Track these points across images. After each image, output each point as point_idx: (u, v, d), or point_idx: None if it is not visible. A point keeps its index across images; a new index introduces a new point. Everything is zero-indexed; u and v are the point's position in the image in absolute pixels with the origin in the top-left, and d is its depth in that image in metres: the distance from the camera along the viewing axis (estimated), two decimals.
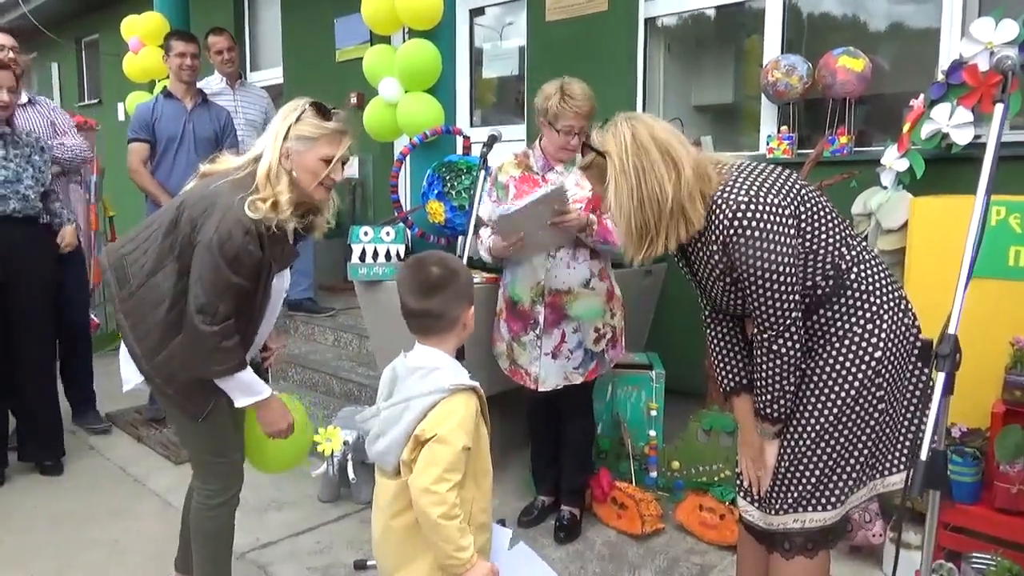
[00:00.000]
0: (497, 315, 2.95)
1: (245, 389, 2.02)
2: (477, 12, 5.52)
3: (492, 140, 2.90)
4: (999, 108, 1.55)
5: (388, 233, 3.33)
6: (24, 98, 3.88)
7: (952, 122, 2.98)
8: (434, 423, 1.59)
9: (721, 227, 1.66)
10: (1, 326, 3.36)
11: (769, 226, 1.63)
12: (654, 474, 3.17)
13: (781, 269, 1.65)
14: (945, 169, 3.08)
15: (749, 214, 1.64)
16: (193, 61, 4.12)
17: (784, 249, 1.65)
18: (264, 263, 1.95)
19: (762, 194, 1.66)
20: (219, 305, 1.89)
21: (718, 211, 1.67)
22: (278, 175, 1.94)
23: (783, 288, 1.66)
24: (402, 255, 3.40)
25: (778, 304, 1.68)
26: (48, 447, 3.56)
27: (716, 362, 1.97)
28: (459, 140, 3.94)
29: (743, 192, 1.66)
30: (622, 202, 1.70)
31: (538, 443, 3.10)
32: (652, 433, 3.19)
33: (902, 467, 1.83)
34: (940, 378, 1.40)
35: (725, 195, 1.68)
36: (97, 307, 5.30)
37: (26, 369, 3.47)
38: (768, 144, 3.83)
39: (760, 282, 1.66)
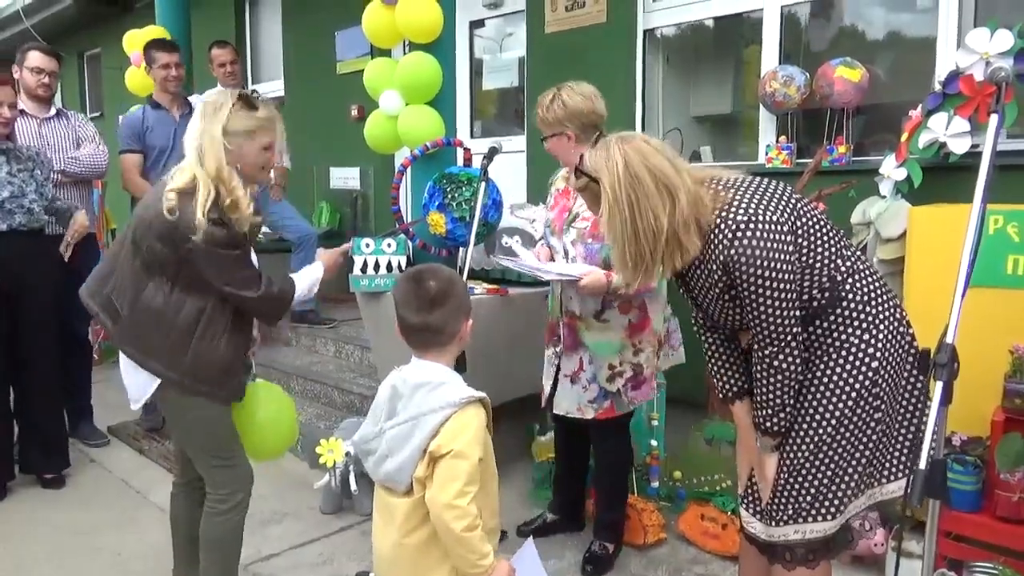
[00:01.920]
0: None
1: (310, 288, 2.31)
2: (477, 24, 5.56)
3: (492, 152, 2.91)
4: (993, 119, 1.56)
5: (390, 245, 3.35)
6: (52, 111, 3.90)
7: (949, 131, 3.00)
8: (449, 438, 1.58)
9: (721, 247, 1.66)
10: (8, 339, 3.37)
11: (769, 243, 1.64)
12: (656, 484, 3.17)
13: (782, 286, 1.66)
14: (943, 178, 3.10)
15: (749, 232, 1.64)
16: (178, 71, 4.10)
17: (784, 266, 1.65)
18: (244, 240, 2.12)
19: (760, 211, 1.66)
20: (247, 274, 2.10)
21: (718, 232, 1.67)
22: (230, 175, 2.02)
23: (784, 304, 1.67)
24: (403, 266, 3.41)
25: (779, 320, 1.68)
26: (52, 459, 3.56)
27: (714, 369, 1.98)
28: (460, 152, 3.97)
29: (742, 211, 1.66)
30: (615, 232, 1.69)
31: (557, 461, 3.05)
32: (654, 443, 3.19)
33: (899, 474, 1.84)
34: (938, 387, 1.41)
35: (724, 215, 1.67)
36: None
37: (32, 381, 3.48)
38: (767, 154, 3.85)
39: (761, 299, 1.66)
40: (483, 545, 1.59)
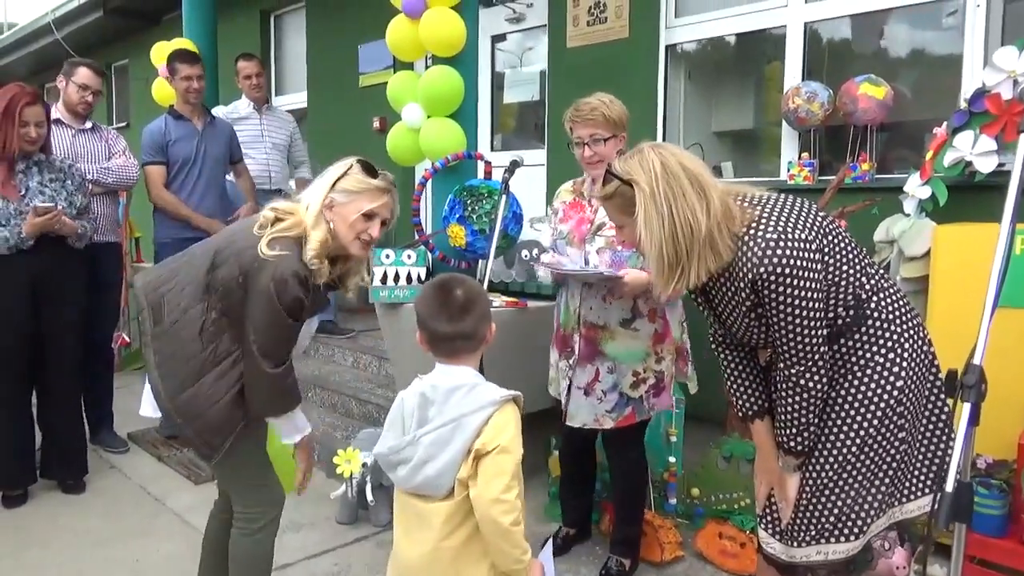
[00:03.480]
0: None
1: (295, 427, 2.14)
2: (499, 38, 5.59)
3: (514, 165, 2.92)
4: (1023, 138, 1.54)
5: (409, 256, 3.36)
6: (88, 124, 3.97)
7: (975, 150, 2.97)
8: (493, 435, 1.61)
9: (750, 264, 1.64)
10: (32, 345, 3.40)
11: (799, 263, 1.63)
12: (673, 501, 3.14)
13: (810, 305, 1.64)
14: (968, 197, 3.07)
15: (780, 251, 1.63)
16: (199, 83, 4.16)
17: (813, 285, 1.64)
18: (306, 309, 2.03)
19: (789, 230, 1.65)
20: (282, 348, 2.01)
21: (746, 249, 1.65)
22: (317, 223, 1.99)
23: (812, 324, 1.66)
24: (423, 278, 3.43)
25: (807, 339, 1.67)
26: (71, 466, 3.60)
27: (733, 387, 1.96)
28: (480, 165, 3.98)
29: (771, 229, 1.65)
30: (653, 231, 1.66)
31: (566, 474, 3.03)
32: (672, 459, 3.17)
33: (919, 494, 1.82)
34: (966, 409, 1.39)
35: (752, 232, 1.66)
36: (130, 321, 5.32)
37: (54, 388, 3.52)
38: (789, 170, 3.83)
39: (790, 319, 1.65)
40: (525, 541, 1.61)
